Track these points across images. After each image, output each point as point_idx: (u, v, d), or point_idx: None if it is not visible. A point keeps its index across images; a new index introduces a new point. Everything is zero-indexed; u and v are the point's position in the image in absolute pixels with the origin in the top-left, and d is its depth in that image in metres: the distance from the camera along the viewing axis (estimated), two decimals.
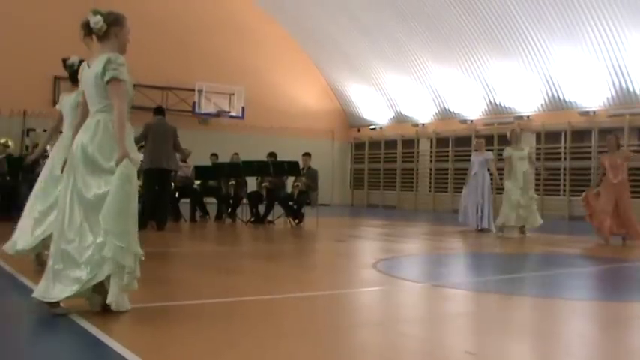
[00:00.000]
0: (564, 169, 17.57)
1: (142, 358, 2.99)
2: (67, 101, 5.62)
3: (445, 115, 21.12)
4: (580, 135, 17.47)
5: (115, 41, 4.10)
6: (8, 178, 11.74)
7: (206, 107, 20.55)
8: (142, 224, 9.97)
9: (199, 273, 6.20)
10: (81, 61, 4.26)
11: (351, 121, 25.06)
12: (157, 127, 10.64)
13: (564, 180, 17.52)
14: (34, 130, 18.24)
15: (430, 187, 21.70)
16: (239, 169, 13.34)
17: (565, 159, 17.59)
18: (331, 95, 24.81)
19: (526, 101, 18.53)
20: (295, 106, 23.52)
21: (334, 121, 24.69)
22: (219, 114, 20.77)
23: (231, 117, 20.82)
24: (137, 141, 10.66)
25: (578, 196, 17.23)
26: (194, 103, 20.42)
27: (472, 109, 20.20)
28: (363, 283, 5.93)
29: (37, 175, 12.73)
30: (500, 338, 3.93)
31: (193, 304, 4.54)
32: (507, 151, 11.16)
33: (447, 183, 20.92)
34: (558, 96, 17.66)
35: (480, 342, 3.80)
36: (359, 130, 24.77)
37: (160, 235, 9.79)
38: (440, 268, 7.30)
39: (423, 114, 21.92)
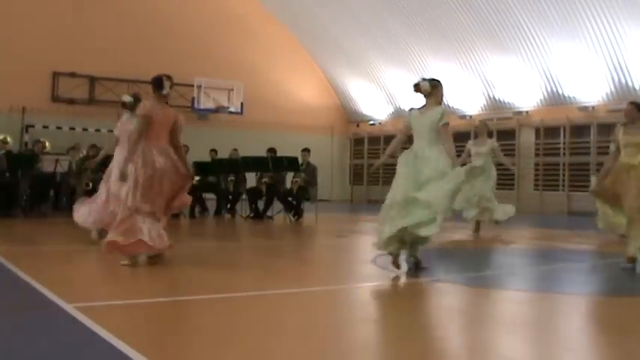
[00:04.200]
0: (563, 165, 17.58)
1: (143, 354, 3.00)
2: None
3: (444, 110, 21.11)
4: (579, 130, 17.47)
5: (436, 98, 5.97)
6: (7, 174, 11.72)
7: (205, 103, 20.53)
8: None
9: (199, 269, 6.21)
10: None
11: (350, 117, 25.05)
12: None
13: (563, 175, 17.53)
14: (32, 126, 18.21)
15: None
16: (238, 164, 13.33)
17: (564, 154, 17.60)
18: (330, 90, 24.78)
19: (525, 96, 18.52)
20: (294, 101, 23.49)
21: (333, 117, 24.67)
22: (218, 110, 20.74)
23: (230, 112, 20.79)
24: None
25: (578, 191, 17.34)
26: (193, 98, 20.39)
27: (471, 105, 20.18)
28: (363, 279, 5.94)
29: (36, 172, 12.65)
30: (499, 333, 3.94)
31: (193, 300, 4.55)
32: None
33: None
34: (557, 91, 17.65)
35: (478, 337, 3.81)
36: (358, 126, 24.75)
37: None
38: (439, 263, 7.30)
39: None
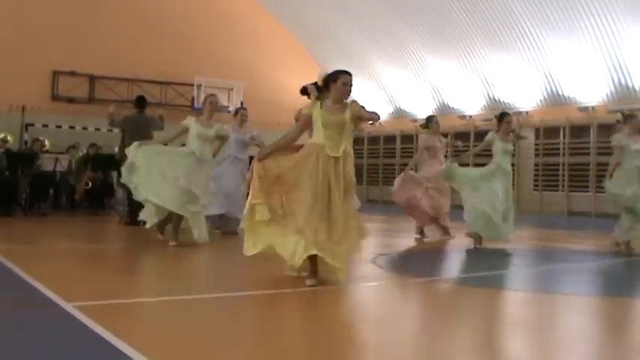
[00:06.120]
0: (563, 165, 17.57)
1: (143, 354, 2.99)
2: None
3: (444, 110, 21.10)
4: (579, 131, 17.46)
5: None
6: (7, 173, 11.72)
7: None
8: (133, 220, 9.93)
9: (200, 268, 6.21)
10: None
11: None
12: (136, 121, 10.27)
13: (563, 175, 17.52)
14: (32, 125, 18.19)
15: None
16: None
17: (564, 154, 17.59)
18: None
19: (525, 96, 18.52)
20: (294, 101, 23.39)
21: None
22: (218, 109, 20.73)
23: (230, 112, 20.78)
24: (113, 125, 10.59)
25: (577, 191, 17.35)
26: (193, 98, 20.39)
27: (471, 105, 20.19)
28: (362, 279, 5.94)
29: (36, 170, 12.58)
30: (499, 333, 3.94)
31: (194, 299, 4.55)
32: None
33: None
34: (557, 91, 17.65)
35: (478, 337, 3.80)
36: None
37: (152, 230, 9.74)
38: (439, 263, 7.31)
39: (422, 109, 21.91)
